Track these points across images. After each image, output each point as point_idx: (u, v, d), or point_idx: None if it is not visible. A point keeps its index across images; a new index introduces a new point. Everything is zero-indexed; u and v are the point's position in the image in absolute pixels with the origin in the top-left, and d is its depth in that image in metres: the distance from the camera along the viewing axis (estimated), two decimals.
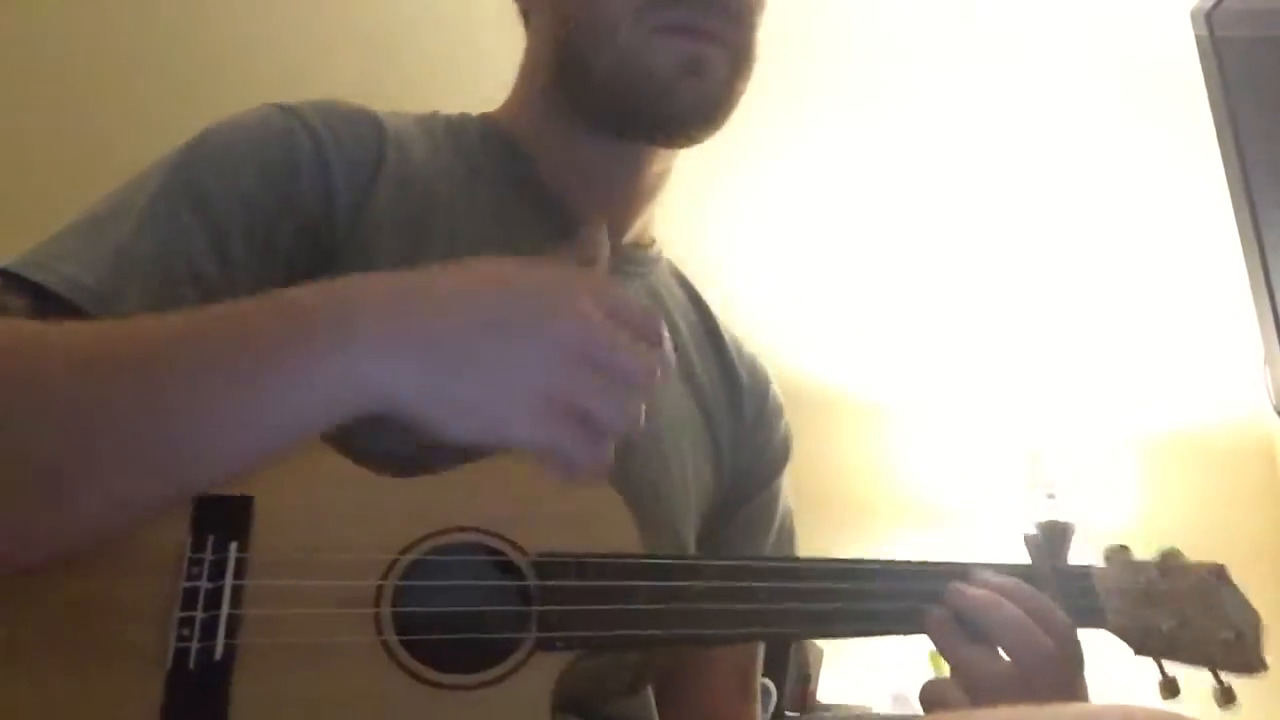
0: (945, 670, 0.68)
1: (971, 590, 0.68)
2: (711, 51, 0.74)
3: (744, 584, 0.66)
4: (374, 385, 0.52)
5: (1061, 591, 0.71)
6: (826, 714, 2.06)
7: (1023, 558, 0.75)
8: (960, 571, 0.70)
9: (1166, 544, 0.76)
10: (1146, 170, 2.17)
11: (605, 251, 0.63)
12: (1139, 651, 0.72)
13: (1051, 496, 1.92)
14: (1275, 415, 1.94)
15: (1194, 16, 1.96)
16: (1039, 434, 2.23)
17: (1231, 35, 1.93)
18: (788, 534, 0.92)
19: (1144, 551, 0.77)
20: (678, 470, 0.80)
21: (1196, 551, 0.76)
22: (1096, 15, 2.07)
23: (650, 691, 0.81)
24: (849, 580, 0.68)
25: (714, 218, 0.93)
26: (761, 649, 0.90)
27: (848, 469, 2.31)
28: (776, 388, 0.94)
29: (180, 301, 0.64)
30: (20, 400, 0.52)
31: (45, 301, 0.61)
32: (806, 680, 2.05)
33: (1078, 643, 0.68)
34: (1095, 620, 0.72)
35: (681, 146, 0.80)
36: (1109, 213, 2.21)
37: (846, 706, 2.10)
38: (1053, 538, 0.76)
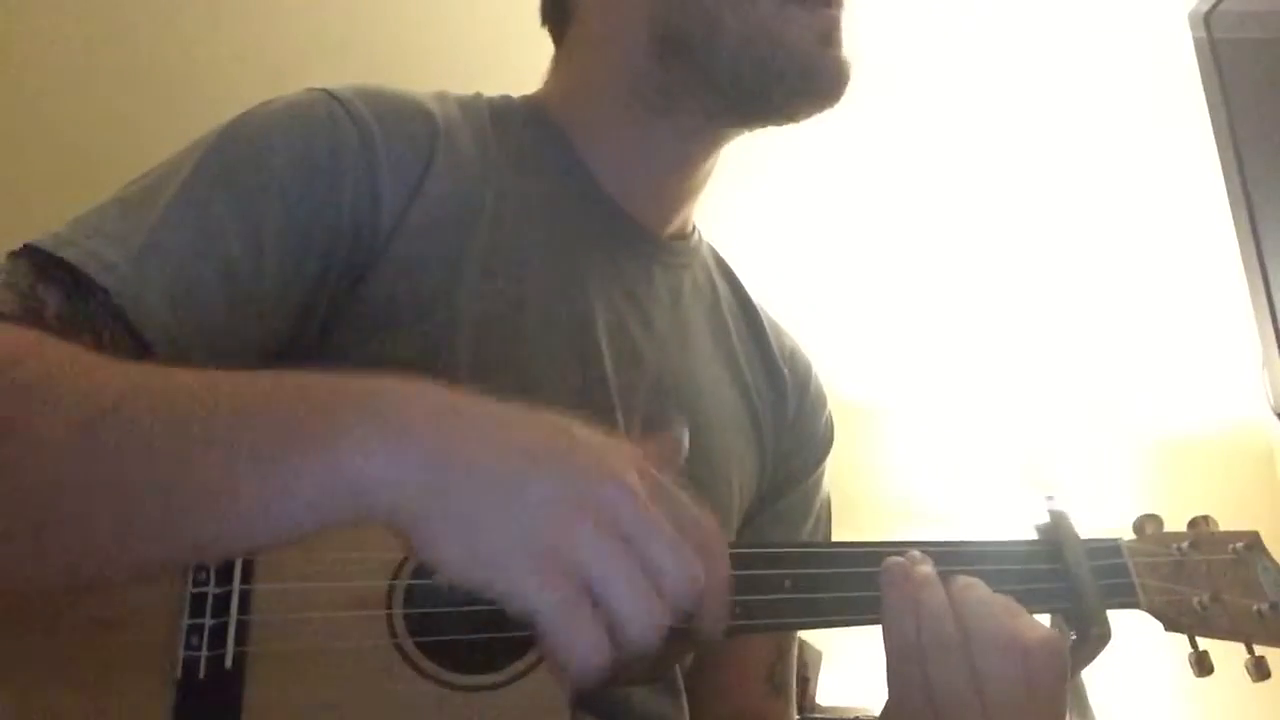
0: None
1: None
2: (839, 21, 0.74)
3: (771, 571, 0.63)
4: (373, 494, 0.45)
5: (1091, 569, 0.68)
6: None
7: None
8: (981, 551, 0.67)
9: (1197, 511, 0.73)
10: (1144, 172, 2.17)
11: (684, 453, 0.55)
12: (1170, 628, 0.69)
13: (1050, 498, 1.93)
14: (1274, 417, 1.94)
15: (1192, 19, 1.97)
16: (1038, 436, 2.24)
17: (1230, 37, 1.94)
18: (824, 524, 0.90)
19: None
20: (722, 471, 0.79)
21: None
22: (1094, 17, 2.08)
23: (681, 686, 0.79)
24: (870, 565, 0.65)
25: (706, 217, 0.92)
26: (795, 642, 0.88)
27: (844, 472, 2.30)
28: (818, 378, 0.92)
29: (207, 293, 0.62)
30: (13, 447, 0.48)
31: (79, 286, 0.59)
32: (805, 681, 2.04)
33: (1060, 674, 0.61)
34: (1128, 600, 0.69)
35: (787, 123, 0.77)
36: (1107, 215, 2.21)
37: (845, 708, 2.10)
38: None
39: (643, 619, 0.44)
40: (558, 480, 0.46)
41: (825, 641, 2.10)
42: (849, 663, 2.13)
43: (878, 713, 0.64)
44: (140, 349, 0.59)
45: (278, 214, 0.64)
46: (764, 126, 0.78)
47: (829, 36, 0.73)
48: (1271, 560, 0.71)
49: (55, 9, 1.89)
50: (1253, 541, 0.71)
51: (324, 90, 0.70)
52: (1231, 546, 0.71)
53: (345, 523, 0.46)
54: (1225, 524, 0.75)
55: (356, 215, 0.67)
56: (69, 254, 0.60)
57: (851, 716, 2.08)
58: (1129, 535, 0.75)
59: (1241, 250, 1.95)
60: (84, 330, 0.58)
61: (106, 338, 0.58)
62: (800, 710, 2.09)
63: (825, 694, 2.11)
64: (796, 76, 0.72)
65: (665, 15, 0.74)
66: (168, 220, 0.62)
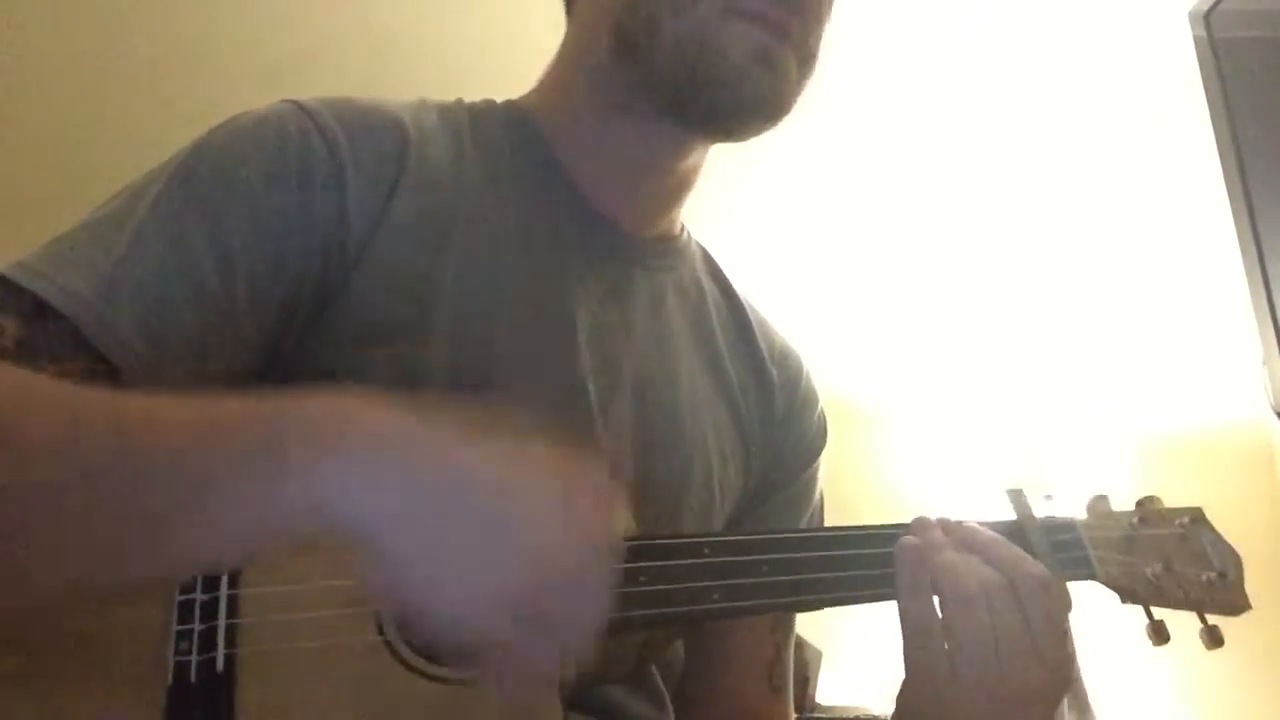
0: None
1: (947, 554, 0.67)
2: (784, 48, 0.72)
3: (746, 558, 0.65)
4: (343, 522, 0.48)
5: (1050, 544, 0.71)
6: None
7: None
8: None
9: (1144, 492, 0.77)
10: (1144, 171, 2.17)
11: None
12: (1125, 599, 0.73)
13: (1049, 497, 1.93)
14: (1274, 417, 1.94)
15: (1192, 17, 1.96)
16: (1037, 435, 2.23)
17: (1230, 36, 1.94)
18: (817, 523, 0.91)
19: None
20: (700, 476, 0.79)
21: None
22: (1093, 16, 2.07)
23: (664, 691, 0.80)
24: (843, 547, 0.69)
25: (702, 219, 0.91)
26: (791, 640, 0.89)
27: (840, 471, 2.30)
28: (809, 376, 0.91)
29: (179, 316, 0.61)
30: None
31: (41, 312, 0.58)
32: (805, 682, 2.04)
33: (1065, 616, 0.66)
34: (1085, 572, 0.73)
35: (726, 139, 0.77)
36: (1107, 214, 2.21)
37: (845, 708, 2.10)
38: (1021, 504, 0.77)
39: (578, 637, 0.50)
40: (517, 536, 0.49)
41: (825, 641, 2.10)
42: (849, 663, 2.13)
43: (877, 712, 0.65)
44: (109, 375, 0.59)
45: (248, 232, 0.64)
46: (708, 139, 0.77)
47: (766, 56, 0.71)
48: (1215, 532, 0.75)
49: (55, 9, 1.90)
50: (1196, 516, 0.75)
51: (294, 102, 0.70)
52: (1178, 522, 0.75)
53: (304, 539, 0.49)
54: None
55: (326, 230, 0.66)
56: (32, 285, 0.59)
57: (851, 716, 2.08)
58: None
59: (1242, 249, 1.95)
60: (42, 357, 0.57)
61: (68, 365, 0.58)
62: (800, 710, 2.09)
63: (825, 694, 2.11)
64: (721, 86, 0.71)
65: (619, 16, 0.74)
66: (137, 243, 0.62)
